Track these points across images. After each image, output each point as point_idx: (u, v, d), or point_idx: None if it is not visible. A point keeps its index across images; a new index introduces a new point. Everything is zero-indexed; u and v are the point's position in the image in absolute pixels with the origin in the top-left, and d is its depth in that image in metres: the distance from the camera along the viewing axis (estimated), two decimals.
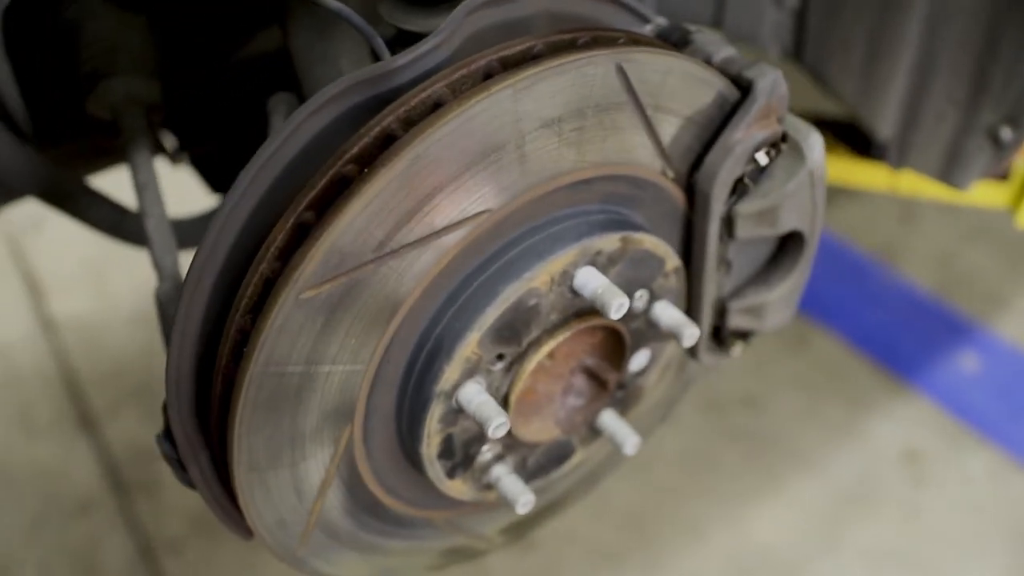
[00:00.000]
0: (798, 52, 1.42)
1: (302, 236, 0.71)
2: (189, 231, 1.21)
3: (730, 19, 1.40)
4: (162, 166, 1.17)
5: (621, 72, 0.77)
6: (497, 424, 0.79)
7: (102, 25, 1.09)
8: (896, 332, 2.48)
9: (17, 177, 1.11)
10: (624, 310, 0.80)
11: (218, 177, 1.33)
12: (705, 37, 0.92)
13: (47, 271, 2.57)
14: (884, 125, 1.40)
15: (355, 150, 0.71)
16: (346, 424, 0.80)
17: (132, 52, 1.09)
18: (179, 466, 0.82)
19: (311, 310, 0.71)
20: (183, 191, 1.47)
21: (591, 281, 0.82)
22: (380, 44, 0.81)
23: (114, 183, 1.26)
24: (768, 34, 1.41)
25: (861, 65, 1.37)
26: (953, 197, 1.67)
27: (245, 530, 0.85)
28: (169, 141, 1.27)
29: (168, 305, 0.96)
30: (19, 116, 1.10)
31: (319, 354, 0.74)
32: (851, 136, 1.61)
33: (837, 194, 2.72)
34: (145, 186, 1.04)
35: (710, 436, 2.26)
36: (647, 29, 0.94)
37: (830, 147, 1.62)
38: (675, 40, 0.92)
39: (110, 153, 1.16)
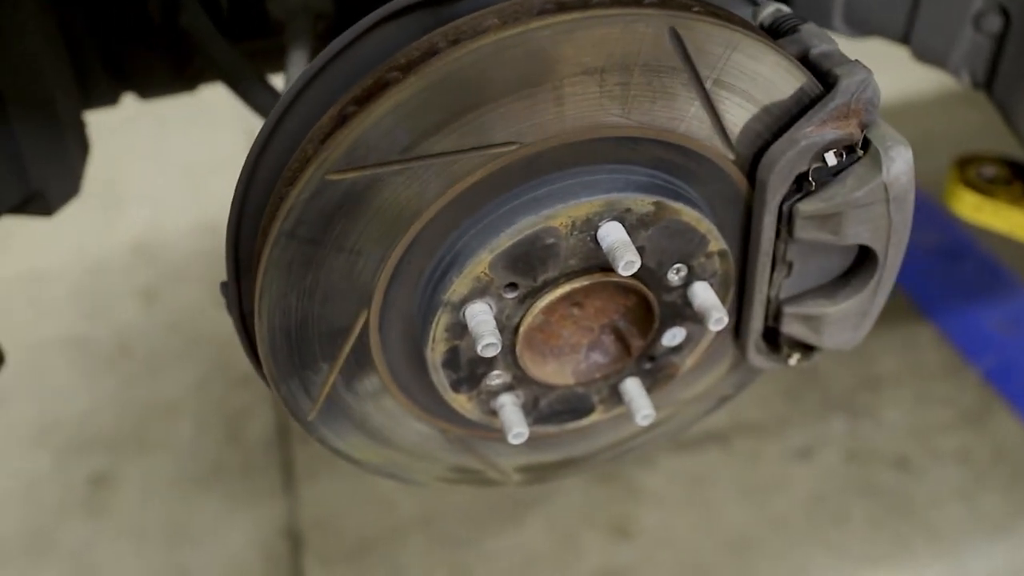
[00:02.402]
0: (989, 83, 1.32)
1: (342, 126, 0.79)
2: None
3: (919, 36, 1.32)
4: None
5: (675, 36, 0.78)
6: (486, 343, 0.84)
7: None
8: None
9: (211, 60, 1.28)
10: (633, 268, 0.82)
11: None
12: (812, 29, 0.90)
13: None
14: None
15: (402, 60, 0.78)
16: (362, 308, 0.87)
17: None
18: (228, 311, 0.94)
19: (336, 192, 0.79)
20: None
21: (611, 234, 0.84)
22: None
23: None
24: (960, 58, 1.31)
25: None
26: None
27: None
28: None
29: None
30: (224, 10, 1.27)
31: (341, 236, 0.82)
32: None
33: None
34: (291, 79, 1.17)
35: (847, 486, 2.15)
36: (765, 13, 0.93)
37: (1018, 199, 1.49)
38: (785, 28, 0.91)
39: (271, 57, 1.31)
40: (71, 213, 1.35)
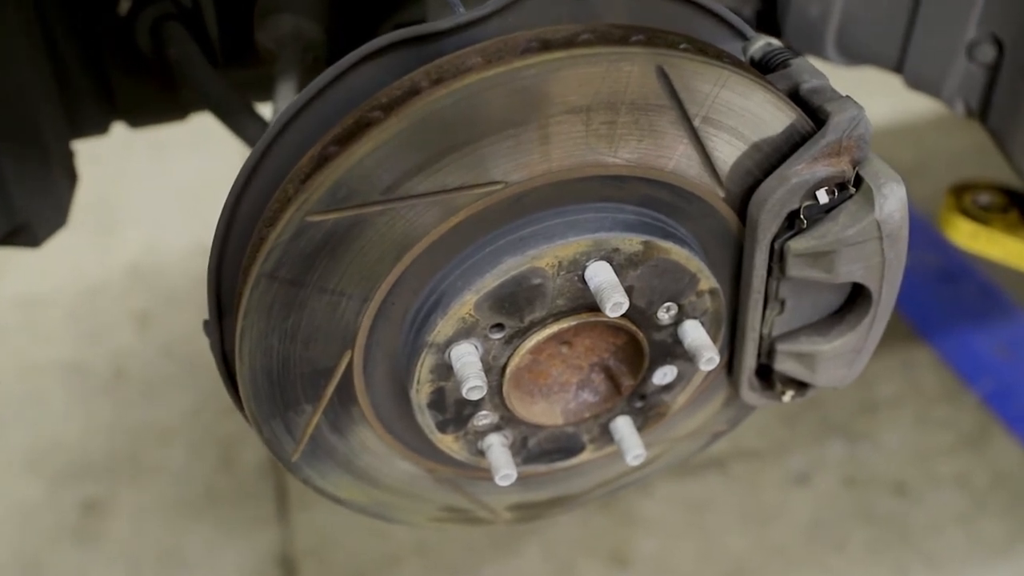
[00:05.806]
0: (983, 113, 1.30)
1: (323, 166, 0.78)
2: None
3: (912, 65, 1.31)
4: None
5: (662, 74, 0.77)
6: (471, 386, 0.82)
7: None
8: None
9: (200, 92, 1.27)
10: (621, 310, 0.80)
11: None
12: (803, 64, 0.89)
13: None
14: None
15: (384, 99, 0.77)
16: (345, 349, 0.86)
17: None
18: (211, 351, 0.93)
19: (317, 233, 0.78)
20: None
21: (599, 275, 0.82)
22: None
23: None
24: (953, 88, 1.30)
25: None
26: None
27: None
28: None
29: None
30: (214, 40, 1.27)
31: (323, 277, 0.81)
32: None
33: None
34: (278, 112, 1.16)
35: (845, 512, 2.13)
36: (755, 47, 0.92)
37: (1014, 227, 1.48)
38: (775, 63, 0.90)
39: (260, 87, 1.30)
40: (65, 236, 1.33)
